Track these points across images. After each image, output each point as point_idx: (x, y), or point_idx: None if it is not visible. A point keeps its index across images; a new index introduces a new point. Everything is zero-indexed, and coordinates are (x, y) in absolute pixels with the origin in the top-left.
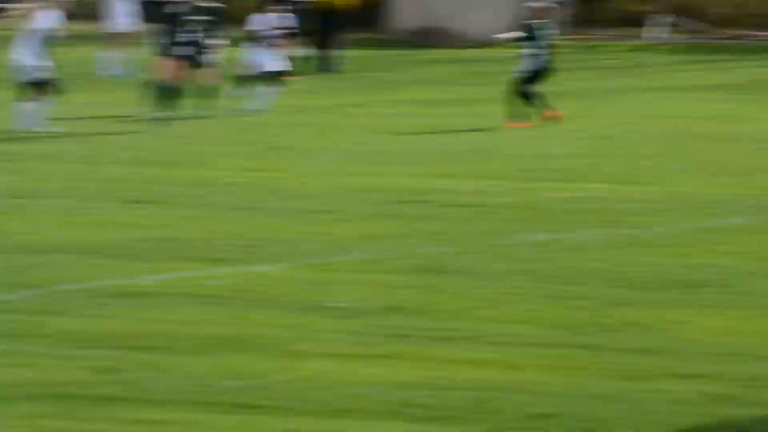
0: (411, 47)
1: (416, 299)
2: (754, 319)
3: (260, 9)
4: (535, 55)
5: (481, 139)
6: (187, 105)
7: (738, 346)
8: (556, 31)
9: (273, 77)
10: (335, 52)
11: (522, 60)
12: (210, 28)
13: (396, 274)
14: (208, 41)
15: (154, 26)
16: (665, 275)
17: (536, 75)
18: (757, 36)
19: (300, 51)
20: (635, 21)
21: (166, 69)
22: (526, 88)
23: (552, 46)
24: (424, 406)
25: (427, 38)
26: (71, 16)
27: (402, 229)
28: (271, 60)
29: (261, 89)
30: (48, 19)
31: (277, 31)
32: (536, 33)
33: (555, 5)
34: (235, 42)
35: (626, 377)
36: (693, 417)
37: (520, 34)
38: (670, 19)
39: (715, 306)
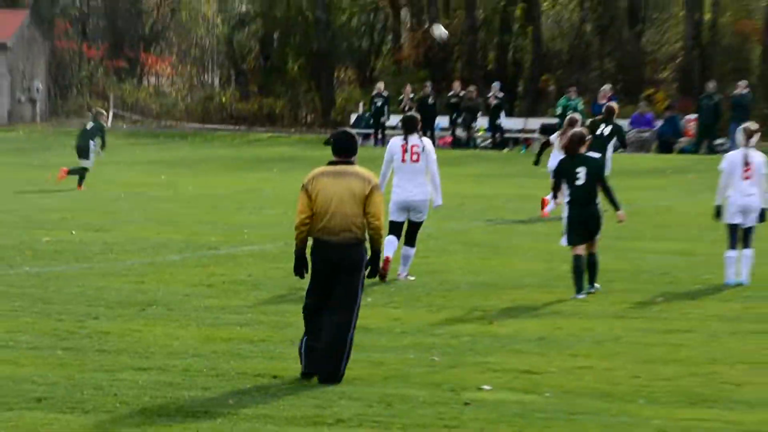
0: None
1: None
2: (189, 327)
3: None
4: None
5: None
6: None
7: (178, 347)
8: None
9: None
10: None
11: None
12: None
13: None
14: None
15: None
16: (125, 297)
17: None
18: (184, 126)
19: None
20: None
21: None
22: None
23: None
24: None
25: None
26: None
27: None
28: None
29: None
30: None
31: None
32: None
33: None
34: None
35: (100, 370)
36: (148, 397)
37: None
38: (115, 110)
39: (162, 319)
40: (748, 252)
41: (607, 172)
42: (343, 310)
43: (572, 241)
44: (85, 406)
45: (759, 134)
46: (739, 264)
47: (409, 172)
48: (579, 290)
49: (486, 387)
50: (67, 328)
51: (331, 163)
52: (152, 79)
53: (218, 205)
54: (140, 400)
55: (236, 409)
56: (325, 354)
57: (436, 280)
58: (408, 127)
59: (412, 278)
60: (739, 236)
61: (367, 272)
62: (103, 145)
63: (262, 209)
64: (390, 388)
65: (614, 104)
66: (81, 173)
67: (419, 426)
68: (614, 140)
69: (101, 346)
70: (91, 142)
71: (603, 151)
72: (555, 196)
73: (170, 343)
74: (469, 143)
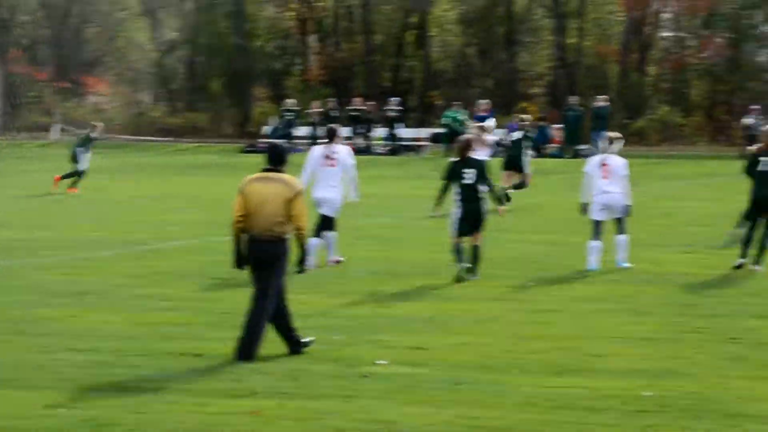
0: None
1: None
2: (121, 313)
3: None
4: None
5: None
6: None
7: (110, 331)
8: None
9: None
10: None
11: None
12: None
13: None
14: None
15: None
16: (65, 288)
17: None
18: (120, 138)
19: None
20: (43, 128)
21: None
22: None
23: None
24: None
25: None
26: None
27: None
28: None
29: None
30: None
31: None
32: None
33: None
34: None
35: (42, 351)
36: (84, 376)
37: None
38: (60, 125)
39: (97, 306)
40: (622, 238)
41: (527, 168)
42: (260, 301)
43: (457, 234)
44: (30, 383)
45: (621, 141)
46: (617, 249)
47: (325, 175)
48: (460, 261)
49: (381, 362)
50: (19, 315)
51: (264, 170)
52: (93, 98)
53: (148, 206)
54: (77, 377)
55: (162, 384)
56: (244, 338)
57: (337, 269)
58: (328, 136)
59: (315, 268)
60: (602, 229)
61: (299, 269)
62: (85, 147)
63: (187, 209)
64: (297, 364)
65: (527, 116)
66: (72, 176)
67: (322, 396)
68: (526, 142)
69: (44, 331)
70: (78, 149)
71: (520, 150)
72: (440, 197)
73: (103, 327)
74: (367, 150)
